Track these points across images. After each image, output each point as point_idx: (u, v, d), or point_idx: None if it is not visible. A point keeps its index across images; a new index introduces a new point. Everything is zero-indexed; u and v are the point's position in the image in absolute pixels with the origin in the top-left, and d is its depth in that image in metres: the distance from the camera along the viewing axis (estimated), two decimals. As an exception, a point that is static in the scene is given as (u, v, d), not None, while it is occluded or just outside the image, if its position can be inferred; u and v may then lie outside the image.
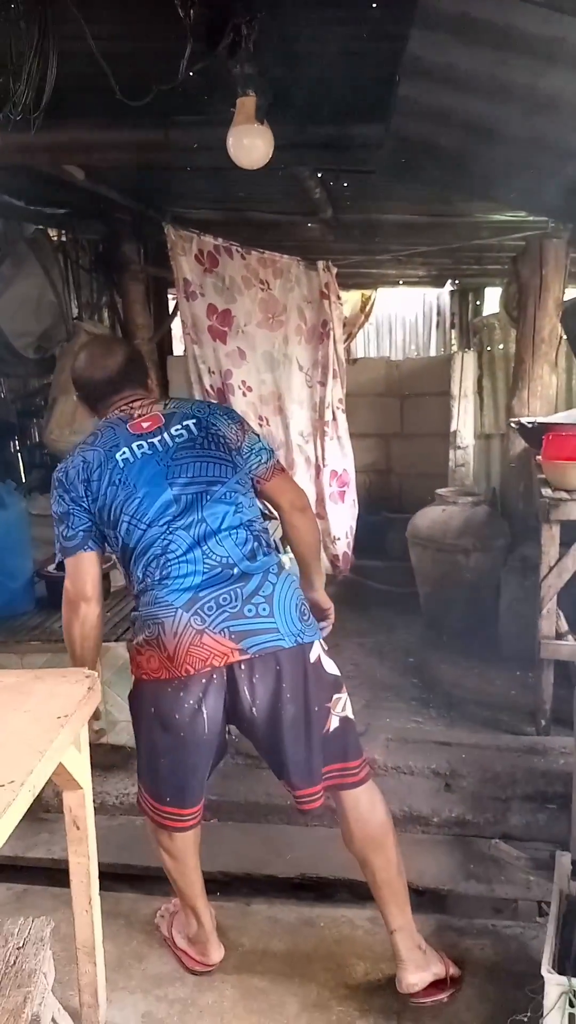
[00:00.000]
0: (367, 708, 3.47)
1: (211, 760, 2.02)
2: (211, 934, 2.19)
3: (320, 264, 4.34)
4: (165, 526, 1.91)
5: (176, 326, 5.13)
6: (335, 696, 1.98)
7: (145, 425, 2.01)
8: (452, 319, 8.19)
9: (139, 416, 2.04)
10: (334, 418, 4.51)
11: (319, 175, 3.41)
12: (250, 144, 2.22)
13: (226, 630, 1.84)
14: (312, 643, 1.94)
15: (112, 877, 2.38)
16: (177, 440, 1.99)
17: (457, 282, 7.40)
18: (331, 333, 4.43)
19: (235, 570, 1.89)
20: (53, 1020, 1.53)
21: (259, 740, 1.97)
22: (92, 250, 4.98)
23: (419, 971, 2.02)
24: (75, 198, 3.96)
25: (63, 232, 4.80)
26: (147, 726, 1.96)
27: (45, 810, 2.73)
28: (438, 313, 8.86)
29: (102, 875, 1.96)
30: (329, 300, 4.40)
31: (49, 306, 4.18)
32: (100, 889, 1.94)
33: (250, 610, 1.86)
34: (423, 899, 2.51)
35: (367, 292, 7.17)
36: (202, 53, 2.03)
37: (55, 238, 4.69)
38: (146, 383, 2.20)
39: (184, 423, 2.02)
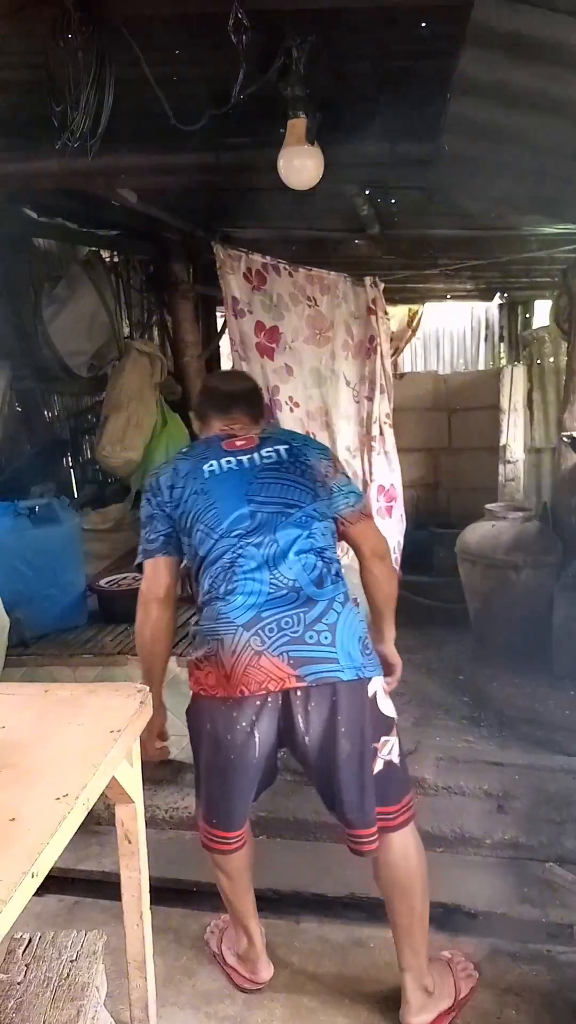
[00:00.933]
0: (417, 726, 3.43)
1: (258, 784, 2.00)
2: (261, 952, 2.18)
3: (367, 280, 4.34)
4: (236, 539, 1.92)
5: (224, 343, 5.19)
6: (384, 738, 1.93)
7: (239, 444, 2.07)
8: (501, 332, 8.13)
9: (236, 436, 2.10)
10: (381, 433, 4.49)
11: (367, 192, 3.42)
12: (300, 165, 2.24)
13: (285, 654, 1.81)
14: (371, 678, 1.91)
15: (162, 892, 2.38)
16: (265, 460, 2.02)
17: (506, 295, 7.35)
18: (378, 348, 4.42)
19: (301, 594, 1.87)
20: (106, 1034, 1.54)
21: (311, 770, 1.94)
22: (143, 270, 5.08)
23: (421, 1013, 2.00)
24: (127, 220, 4.05)
25: (115, 253, 4.90)
26: (202, 743, 1.97)
27: (96, 822, 2.75)
28: (487, 327, 8.81)
29: (152, 889, 1.96)
30: (376, 315, 4.40)
31: (102, 326, 4.27)
32: (150, 903, 1.95)
33: (311, 636, 1.83)
34: (475, 922, 2.46)
35: (414, 307, 7.16)
36: (253, 76, 2.06)
37: (107, 259, 4.79)
38: (258, 419, 2.23)
39: (276, 447, 2.06)
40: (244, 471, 2.00)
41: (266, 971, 2.18)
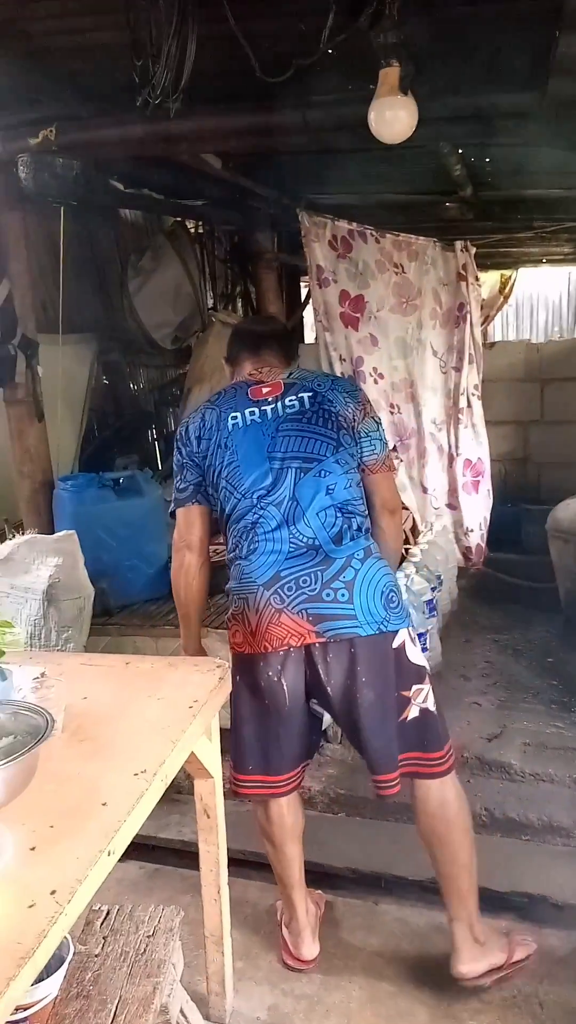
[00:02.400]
0: (502, 709, 3.32)
1: (297, 734, 2.00)
2: (305, 929, 2.15)
3: (458, 245, 4.17)
4: (257, 500, 1.95)
5: (308, 314, 5.10)
6: (416, 686, 1.95)
7: (265, 391, 2.04)
8: (599, 299, 7.74)
9: (263, 382, 2.06)
10: (469, 405, 4.34)
11: (460, 151, 3.26)
12: (393, 116, 2.13)
13: (304, 612, 1.86)
14: (397, 631, 1.92)
15: (241, 864, 2.38)
16: (288, 411, 2.00)
17: (606, 259, 6.97)
18: (468, 316, 4.25)
19: (319, 552, 1.90)
20: (181, 1011, 1.53)
21: (337, 717, 2.01)
22: (227, 240, 5.03)
23: (472, 962, 1.99)
24: (211, 189, 3.99)
25: (200, 224, 4.86)
26: (235, 695, 2.00)
27: (177, 791, 2.77)
28: (583, 293, 8.40)
29: (231, 861, 1.96)
30: (466, 282, 4.23)
31: (186, 297, 4.25)
32: (229, 876, 1.94)
33: (328, 594, 1.86)
34: (562, 914, 2.36)
35: (507, 272, 6.89)
36: (342, 27, 1.96)
37: (192, 230, 4.76)
38: (289, 361, 2.21)
39: (299, 395, 2.02)
40: (267, 423, 1.99)
41: (308, 950, 2.15)
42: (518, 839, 2.65)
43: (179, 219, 4.56)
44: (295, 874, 2.15)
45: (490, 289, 6.72)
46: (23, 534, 2.80)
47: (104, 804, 1.29)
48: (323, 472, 1.95)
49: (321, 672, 1.89)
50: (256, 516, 1.95)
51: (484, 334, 6.00)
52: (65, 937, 1.40)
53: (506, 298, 7.18)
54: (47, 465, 3.31)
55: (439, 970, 2.12)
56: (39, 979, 1.37)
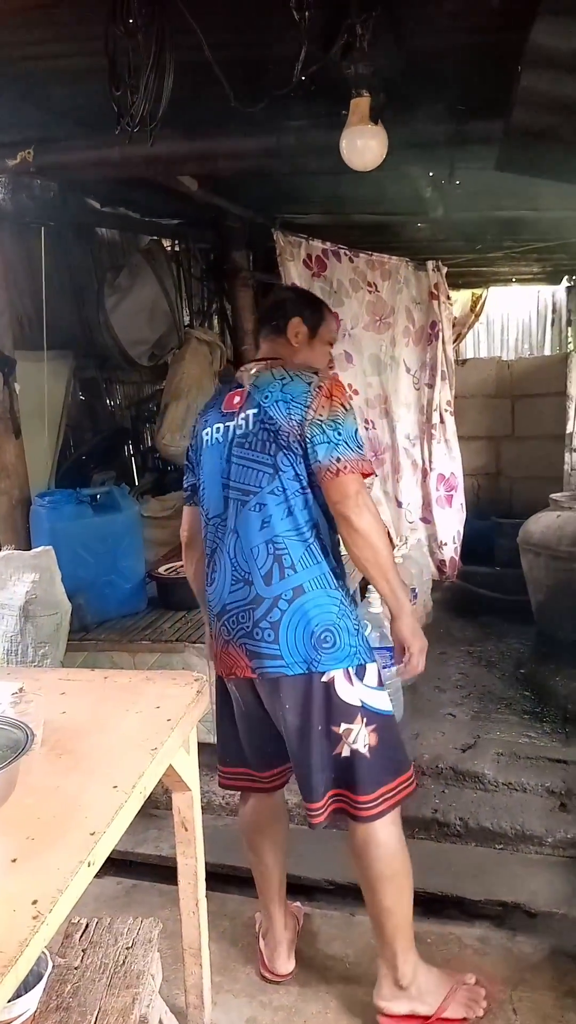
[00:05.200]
0: (475, 720, 3.37)
1: (270, 737, 2.00)
2: (281, 943, 2.17)
3: (430, 264, 4.27)
4: (214, 527, 2.00)
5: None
6: (345, 725, 1.87)
7: (236, 401, 1.98)
8: (568, 316, 7.89)
9: (240, 385, 2.01)
10: (442, 420, 4.42)
11: (431, 174, 3.33)
12: (364, 145, 2.19)
13: (243, 646, 1.91)
14: (327, 672, 1.85)
15: (219, 878, 2.40)
16: (237, 432, 1.94)
17: (574, 278, 7.11)
18: (440, 334, 4.35)
19: (251, 590, 1.89)
20: (161, 1022, 1.55)
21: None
22: (203, 259, 5.08)
23: (391, 1000, 1.98)
24: (187, 208, 4.04)
25: (176, 242, 4.91)
26: (216, 695, 2.08)
27: (155, 806, 2.78)
28: (553, 311, 8.56)
29: (209, 875, 1.97)
30: (438, 300, 4.33)
31: (163, 315, 4.28)
32: (207, 889, 1.96)
33: (258, 633, 1.87)
34: (535, 922, 2.41)
35: (478, 291, 7.00)
36: (316, 56, 2.01)
37: (168, 248, 4.80)
38: (280, 333, 2.05)
39: (247, 412, 1.93)
40: (224, 445, 1.96)
41: (283, 965, 2.16)
42: (492, 848, 2.69)
43: (155, 237, 4.61)
44: (275, 886, 2.17)
45: (462, 307, 6.83)
46: (0, 550, 2.81)
47: (83, 817, 1.31)
48: (258, 505, 1.88)
49: (263, 698, 1.95)
50: (215, 544, 1.99)
51: (456, 351, 6.12)
52: (43, 953, 1.41)
53: (477, 316, 7.30)
54: (24, 482, 3.32)
55: (415, 979, 2.16)
56: (17, 994, 1.38)
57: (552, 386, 5.66)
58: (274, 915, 2.17)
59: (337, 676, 1.86)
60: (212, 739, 2.94)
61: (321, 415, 1.84)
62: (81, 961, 1.52)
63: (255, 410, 1.91)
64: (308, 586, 1.86)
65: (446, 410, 4.40)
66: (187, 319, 4.93)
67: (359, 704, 1.89)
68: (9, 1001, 1.32)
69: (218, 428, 1.99)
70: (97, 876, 1.26)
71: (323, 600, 1.87)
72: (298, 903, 2.40)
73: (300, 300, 2.17)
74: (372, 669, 1.92)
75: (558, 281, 7.20)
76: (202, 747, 1.96)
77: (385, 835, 1.92)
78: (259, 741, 2.05)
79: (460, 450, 4.50)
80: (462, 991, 2.04)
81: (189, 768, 1.81)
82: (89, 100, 2.53)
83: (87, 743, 1.57)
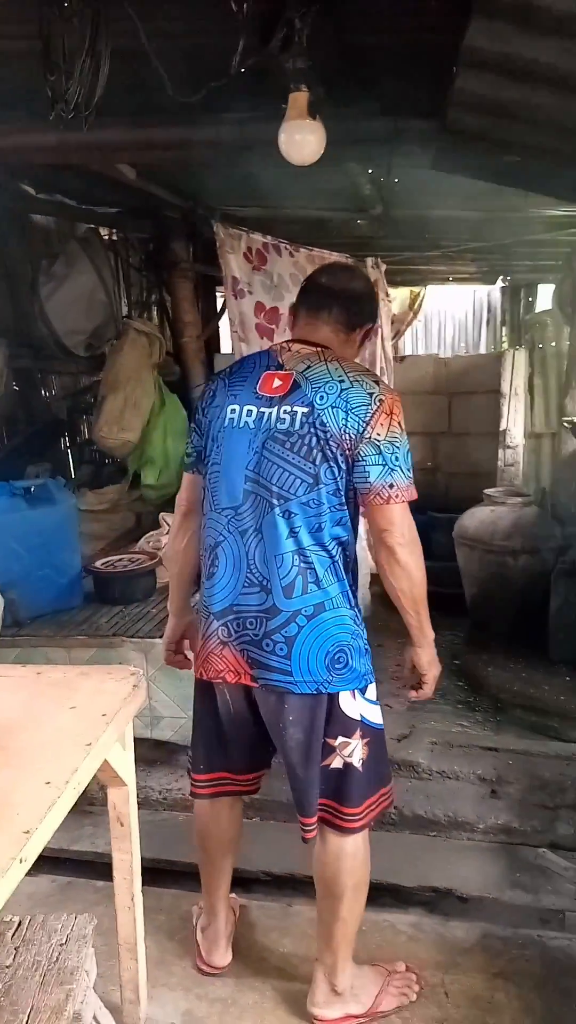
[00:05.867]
0: (411, 710, 3.43)
1: (248, 742, 1.98)
2: (221, 937, 2.17)
3: (369, 261, 4.30)
4: (225, 518, 1.83)
5: (224, 324, 5.14)
6: (342, 738, 1.84)
7: (275, 385, 1.78)
8: (503, 316, 8.07)
9: (282, 368, 1.81)
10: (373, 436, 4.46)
11: (370, 171, 3.37)
12: (302, 140, 2.20)
13: (244, 651, 1.82)
14: (338, 693, 1.81)
15: (155, 873, 2.39)
16: (278, 425, 1.75)
17: (509, 278, 7.28)
18: (379, 331, 4.38)
19: (268, 598, 1.78)
20: (95, 1018, 1.54)
21: (277, 746, 1.93)
22: (142, 249, 5.02)
23: (325, 1007, 1.98)
24: (126, 197, 3.99)
25: (114, 231, 4.84)
26: (196, 696, 2.02)
27: (90, 803, 2.75)
28: (489, 310, 8.74)
29: (145, 871, 1.96)
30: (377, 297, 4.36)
31: (100, 304, 4.21)
32: (143, 885, 1.94)
33: (268, 644, 1.78)
34: (467, 907, 2.47)
35: (416, 289, 7.10)
36: (254, 48, 2.02)
37: (106, 237, 4.73)
38: (351, 330, 1.89)
39: (295, 407, 1.74)
40: (257, 433, 1.77)
41: (220, 958, 2.16)
42: (425, 835, 2.75)
43: (92, 226, 4.53)
44: (222, 885, 2.16)
45: (400, 305, 6.92)
46: None
47: (15, 814, 1.29)
48: (287, 513, 1.74)
49: (258, 704, 1.88)
50: (222, 538, 1.83)
51: (395, 348, 6.18)
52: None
53: (415, 314, 7.40)
54: (-45, 473, 3.24)
55: (350, 966, 2.19)
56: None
57: (487, 384, 5.77)
58: (218, 911, 2.16)
59: (343, 693, 1.83)
60: (148, 734, 2.94)
61: (380, 434, 1.72)
62: (13, 960, 1.49)
63: (306, 409, 1.73)
64: (329, 604, 1.78)
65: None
66: (125, 310, 4.87)
67: (359, 719, 1.86)
68: None
69: (250, 411, 1.79)
70: (31, 874, 1.24)
71: (341, 619, 1.80)
72: (234, 895, 2.40)
73: (375, 303, 2.02)
74: (373, 685, 1.90)
75: (493, 281, 7.37)
76: (139, 742, 1.95)
77: (359, 846, 1.92)
78: (245, 743, 1.98)
79: (398, 445, 4.56)
80: (394, 981, 2.07)
81: (125, 763, 1.80)
82: (26, 85, 2.48)
83: (19, 739, 1.54)
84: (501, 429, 5.59)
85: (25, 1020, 1.36)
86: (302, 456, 1.73)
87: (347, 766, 1.86)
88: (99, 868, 2.49)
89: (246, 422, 1.79)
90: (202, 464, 1.92)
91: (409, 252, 5.30)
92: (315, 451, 1.72)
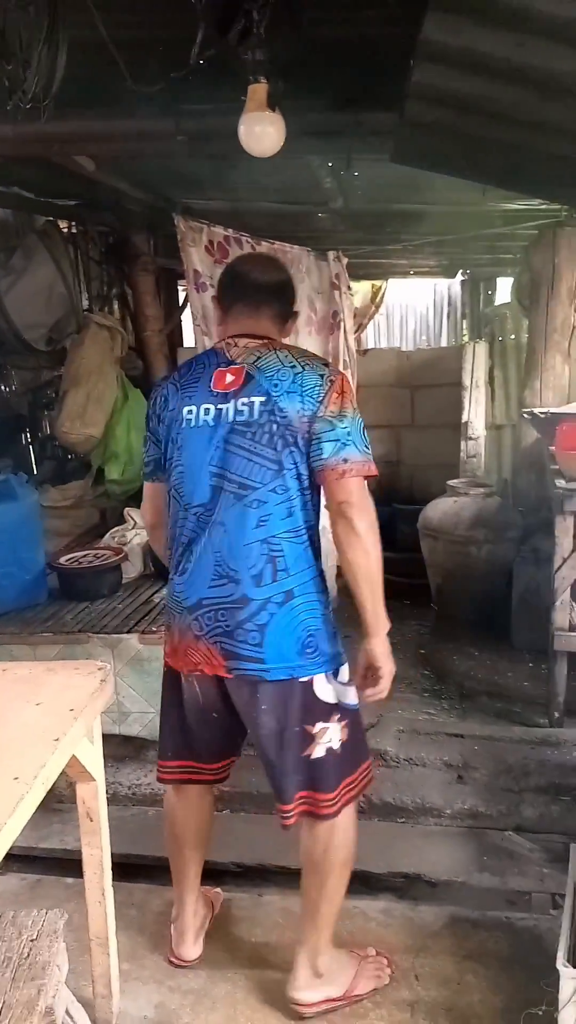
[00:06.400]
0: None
1: (218, 731, 1.99)
2: (189, 930, 2.16)
3: (331, 254, 4.31)
4: (195, 516, 1.84)
5: (187, 317, 5.11)
6: (320, 724, 1.86)
7: (227, 380, 1.82)
8: (463, 309, 8.15)
9: (232, 363, 1.83)
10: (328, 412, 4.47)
11: (329, 164, 3.38)
12: (261, 132, 2.20)
13: (218, 643, 1.83)
14: (311, 677, 1.84)
15: (125, 868, 2.38)
16: (237, 418, 1.79)
17: (468, 272, 7.35)
18: (341, 324, 4.40)
19: (238, 589, 1.79)
20: (67, 1012, 1.54)
21: (251, 736, 1.97)
22: (102, 242, 4.97)
23: (307, 990, 1.99)
24: (85, 190, 3.95)
25: (73, 224, 4.78)
26: (164, 687, 2.05)
27: (58, 800, 2.73)
28: (449, 303, 8.83)
29: (115, 866, 1.96)
30: (339, 290, 4.37)
31: (60, 298, 4.16)
32: (113, 880, 1.94)
33: (240, 635, 1.80)
34: (436, 891, 2.51)
35: (377, 283, 7.13)
36: (213, 40, 2.01)
37: (65, 230, 4.67)
38: (284, 320, 1.96)
39: (251, 398, 1.78)
40: (216, 428, 1.80)
41: (189, 951, 2.16)
42: (394, 822, 2.79)
43: (51, 219, 4.47)
44: (191, 875, 2.16)
45: (362, 298, 6.94)
46: None
47: (-17, 809, 1.28)
48: (256, 502, 1.77)
49: (232, 696, 1.89)
50: (192, 534, 1.85)
51: (358, 341, 6.21)
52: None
53: (377, 307, 7.43)
54: None
55: (321, 953, 2.21)
56: None
57: (449, 377, 5.82)
58: (186, 903, 2.17)
59: (316, 678, 1.85)
60: (117, 730, 2.93)
61: (332, 411, 1.76)
62: (-17, 957, 1.49)
63: (262, 398, 1.77)
64: (298, 590, 1.81)
65: (348, 399, 4.46)
66: (86, 303, 4.82)
67: (335, 702, 1.88)
68: None
69: (207, 409, 1.81)
70: (-1, 873, 1.23)
71: (311, 605, 1.83)
72: (218, 889, 2.41)
73: (294, 292, 2.05)
74: (345, 666, 1.92)
75: (453, 274, 7.43)
76: (107, 738, 1.95)
77: (344, 824, 1.95)
78: (213, 734, 2.00)
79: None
80: (367, 965, 2.10)
81: (93, 758, 1.79)
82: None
83: (-14, 736, 1.53)
84: (463, 421, 5.64)
85: (-4, 1017, 1.36)
86: (264, 444, 1.77)
87: (328, 752, 1.88)
88: (68, 865, 2.48)
89: (204, 420, 1.82)
90: (161, 471, 1.95)
91: (370, 246, 5.32)
92: (276, 438, 1.76)
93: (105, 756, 1.88)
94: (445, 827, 2.77)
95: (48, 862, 2.61)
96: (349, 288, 4.46)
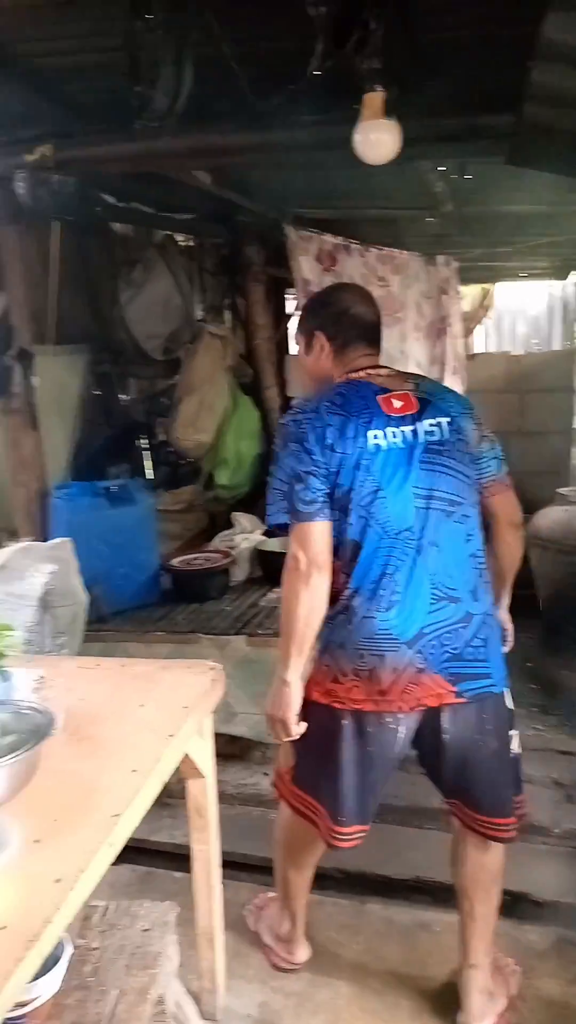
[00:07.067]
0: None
1: (381, 787, 1.92)
2: (302, 934, 2.20)
3: (440, 259, 4.27)
4: (402, 542, 1.74)
5: (294, 325, 5.17)
6: (511, 732, 1.93)
7: (397, 405, 1.79)
8: (578, 312, 7.87)
9: (390, 390, 1.82)
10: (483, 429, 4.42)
11: (440, 169, 3.34)
12: (377, 139, 2.20)
13: (446, 671, 1.75)
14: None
15: (231, 866, 2.42)
16: (428, 438, 1.79)
17: (583, 273, 7.10)
18: (449, 329, 4.35)
19: (459, 607, 1.76)
20: (177, 1003, 1.58)
21: (443, 764, 1.87)
22: (216, 253, 5.10)
23: (483, 1018, 1.97)
24: (200, 204, 4.06)
25: (189, 237, 4.93)
26: (336, 746, 1.82)
27: (168, 795, 2.78)
28: (562, 305, 8.54)
29: (222, 863, 2.00)
30: (448, 295, 4.33)
31: (176, 309, 4.31)
32: (221, 877, 1.99)
33: (470, 653, 1.77)
34: (541, 911, 2.43)
35: (487, 286, 7.00)
36: (329, 51, 2.03)
37: (182, 243, 4.83)
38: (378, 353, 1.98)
39: (438, 419, 1.81)
40: (409, 452, 1.76)
41: (303, 952, 2.20)
42: (501, 838, 2.71)
43: (168, 233, 4.63)
44: (308, 890, 2.19)
45: (471, 302, 6.83)
46: (18, 542, 2.84)
47: (104, 799, 1.34)
48: (463, 517, 1.79)
49: (444, 728, 1.79)
50: (398, 562, 1.74)
51: (466, 346, 6.11)
52: (61, 938, 1.44)
53: (486, 311, 7.29)
54: (42, 474, 3.35)
55: (424, 967, 2.19)
56: (36, 976, 1.41)
57: (560, 381, 5.64)
58: (299, 913, 2.19)
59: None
60: (224, 729, 2.98)
61: (487, 432, 1.92)
62: (100, 943, 1.55)
63: (447, 419, 1.82)
64: (492, 603, 1.89)
65: (456, 405, 4.40)
66: (200, 314, 4.96)
67: (512, 707, 1.95)
68: (30, 981, 1.35)
69: (394, 432, 1.77)
70: (112, 863, 1.28)
71: (495, 617, 1.93)
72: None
73: None
74: None
75: (566, 276, 7.19)
76: (215, 737, 1.98)
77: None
78: (379, 783, 1.89)
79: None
80: (502, 964, 2.12)
81: (204, 755, 1.84)
82: (106, 96, 2.57)
83: (105, 729, 1.60)
84: (574, 427, 5.46)
85: (112, 1001, 1.42)
86: (459, 460, 1.83)
87: (515, 757, 1.94)
88: (177, 859, 2.54)
89: (393, 444, 1.76)
90: (328, 508, 1.77)
91: (480, 249, 5.23)
92: (464, 456, 1.84)
93: (215, 754, 1.92)
94: (552, 847, 2.67)
95: (158, 855, 2.69)
96: (458, 292, 4.40)
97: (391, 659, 1.73)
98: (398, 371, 1.93)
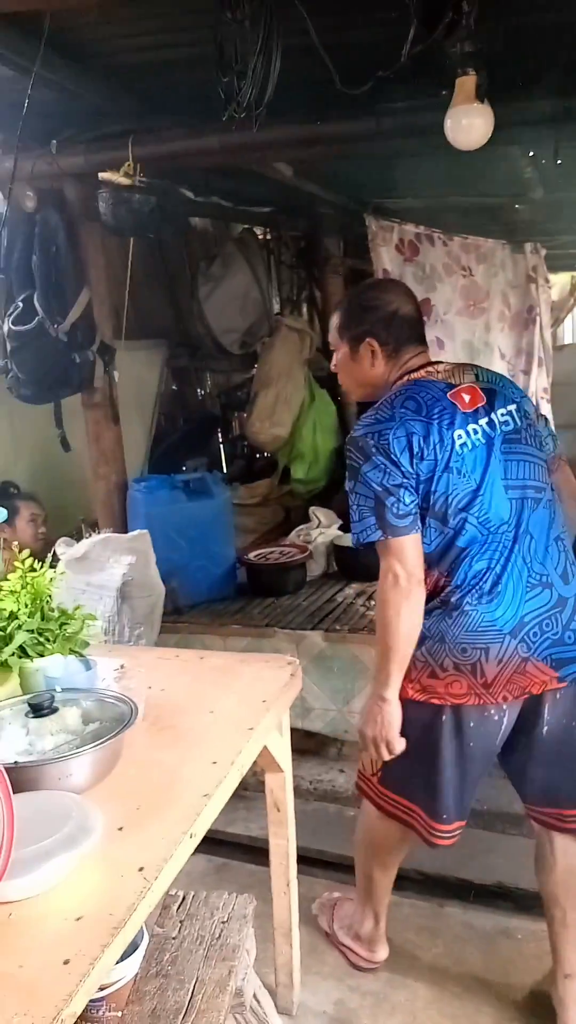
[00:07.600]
0: None
1: (486, 772, 1.91)
2: (384, 933, 2.16)
3: (527, 247, 4.16)
4: (500, 535, 1.74)
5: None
6: None
7: (467, 399, 1.77)
8: None
9: (455, 385, 1.79)
10: (538, 408, 4.30)
11: (531, 154, 3.24)
12: (469, 124, 2.15)
13: (549, 657, 1.74)
14: None
15: (306, 861, 2.41)
16: (504, 428, 1.78)
17: None
18: (537, 319, 4.23)
19: (553, 591, 1.75)
20: (255, 996, 1.58)
21: (534, 757, 1.85)
22: (294, 246, 5.09)
23: None
24: (279, 196, 4.05)
25: (267, 230, 4.93)
26: (437, 742, 1.79)
27: (244, 788, 2.80)
28: None
29: (297, 859, 1.99)
30: (536, 284, 4.21)
31: (254, 303, 4.32)
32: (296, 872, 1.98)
33: (569, 636, 1.75)
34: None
35: None
36: (420, 35, 1.98)
37: (260, 236, 4.84)
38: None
39: (507, 407, 1.81)
40: (492, 444, 1.76)
41: (384, 951, 2.17)
42: None
43: (247, 226, 4.64)
44: (390, 890, 2.16)
45: (560, 291, 6.63)
46: (98, 533, 2.90)
47: (185, 789, 1.35)
48: (547, 502, 1.80)
49: (545, 715, 1.80)
50: (497, 554, 1.74)
51: (554, 336, 5.93)
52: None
53: None
54: (121, 467, 3.41)
55: (506, 975, 2.13)
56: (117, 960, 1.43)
57: None
58: (382, 911, 2.15)
59: None
60: (300, 724, 2.98)
61: (541, 413, 2.00)
62: (179, 932, 1.56)
63: (514, 406, 1.83)
64: None
65: (542, 397, 4.28)
66: (277, 307, 4.96)
67: None
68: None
69: (475, 429, 1.75)
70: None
71: None
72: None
73: None
74: None
75: None
76: (291, 732, 1.97)
77: None
78: (479, 777, 1.88)
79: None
80: None
81: (282, 749, 1.83)
82: (187, 90, 2.58)
83: (186, 719, 1.61)
84: None
85: (191, 990, 1.42)
86: (534, 445, 1.85)
87: None
88: (252, 852, 2.55)
89: (476, 440, 1.76)
90: (419, 520, 1.75)
91: (570, 235, 5.05)
92: (535, 439, 1.86)
93: (291, 749, 1.91)
94: None
95: (233, 847, 2.70)
96: (547, 280, 4.27)
97: (495, 651, 1.72)
98: (453, 364, 1.90)
